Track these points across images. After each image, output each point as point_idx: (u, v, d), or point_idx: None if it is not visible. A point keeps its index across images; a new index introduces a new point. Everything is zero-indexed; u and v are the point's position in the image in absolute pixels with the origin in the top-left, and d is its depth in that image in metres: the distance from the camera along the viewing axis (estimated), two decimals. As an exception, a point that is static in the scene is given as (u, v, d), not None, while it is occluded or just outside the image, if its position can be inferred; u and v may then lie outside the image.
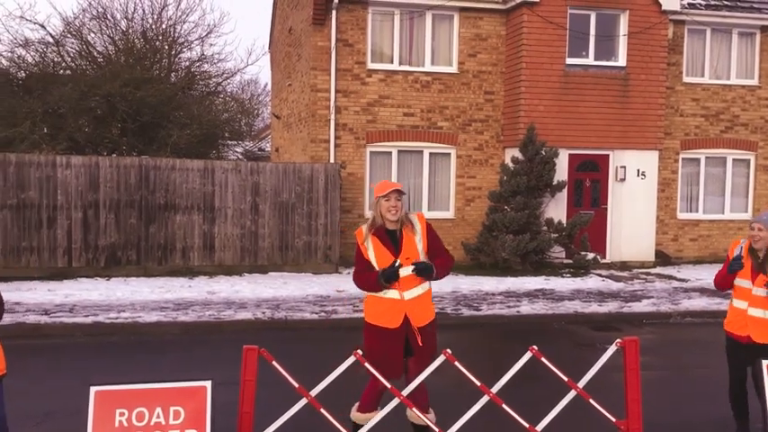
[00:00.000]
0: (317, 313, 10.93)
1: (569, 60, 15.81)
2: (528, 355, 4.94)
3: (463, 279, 14.16)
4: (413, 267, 5.10)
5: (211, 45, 40.74)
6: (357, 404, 5.38)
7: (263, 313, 10.83)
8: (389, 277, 5.07)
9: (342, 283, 13.32)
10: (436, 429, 4.83)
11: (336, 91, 15.46)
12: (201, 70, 26.31)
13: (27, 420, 5.94)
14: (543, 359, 4.92)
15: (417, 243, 5.21)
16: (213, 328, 10.21)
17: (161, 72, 24.47)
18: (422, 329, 5.19)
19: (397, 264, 5.09)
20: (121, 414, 4.45)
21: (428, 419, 5.25)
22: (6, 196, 12.90)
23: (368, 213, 15.85)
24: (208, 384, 4.59)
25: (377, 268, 5.17)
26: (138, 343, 9.45)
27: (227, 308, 11.16)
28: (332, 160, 15.36)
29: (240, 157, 29.35)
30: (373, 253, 5.19)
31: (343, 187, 15.19)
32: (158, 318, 10.39)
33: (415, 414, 5.26)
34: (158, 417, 4.49)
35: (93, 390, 4.50)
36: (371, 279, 5.15)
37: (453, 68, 16.18)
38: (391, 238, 5.20)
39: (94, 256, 13.39)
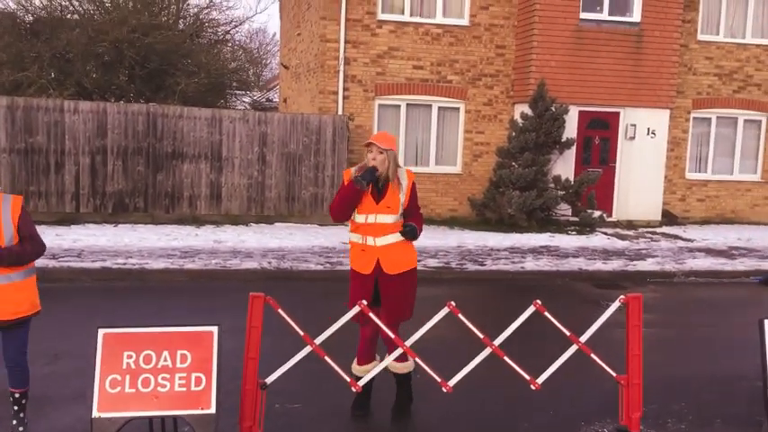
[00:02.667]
0: (322, 264, 10.99)
1: (583, 15, 15.56)
2: (531, 309, 4.98)
3: (469, 234, 14.19)
4: (400, 231, 5.21)
5: (220, -9, 40.08)
6: (356, 359, 5.49)
7: (269, 263, 10.90)
8: (365, 176, 5.13)
9: (347, 235, 13.38)
10: (435, 375, 4.90)
11: (346, 42, 15.28)
12: (210, 17, 26.02)
13: (37, 360, 6.04)
14: (546, 313, 4.96)
15: (400, 197, 5.27)
16: (219, 277, 10.31)
17: (169, 18, 24.21)
18: (394, 277, 5.24)
19: (372, 168, 5.17)
20: (129, 356, 4.53)
21: (405, 367, 5.38)
22: (14, 140, 12.91)
23: (375, 166, 15.78)
24: (215, 330, 4.66)
25: (355, 210, 5.23)
26: (145, 289, 9.56)
27: (233, 257, 11.24)
28: (340, 112, 15.27)
29: (248, 107, 29.17)
30: None
31: (351, 139, 15.13)
32: (165, 265, 10.48)
33: (393, 363, 5.37)
34: (165, 360, 4.57)
35: (101, 332, 4.58)
36: (348, 186, 5.19)
37: (465, 21, 15.95)
38: (376, 185, 5.26)
39: (102, 202, 13.44)
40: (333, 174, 14.52)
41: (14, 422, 4.87)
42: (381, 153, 5.19)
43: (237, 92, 29.55)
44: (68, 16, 21.92)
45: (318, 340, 4.85)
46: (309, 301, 8.91)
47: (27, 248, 4.66)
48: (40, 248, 4.76)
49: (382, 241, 5.22)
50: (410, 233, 5.21)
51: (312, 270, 10.69)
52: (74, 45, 20.04)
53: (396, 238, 5.25)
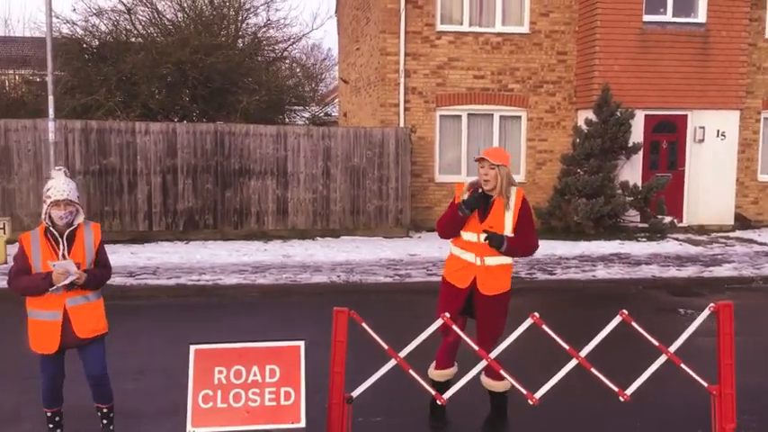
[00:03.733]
0: (390, 277, 11.02)
1: (646, 17, 15.28)
2: (617, 320, 4.89)
3: (535, 243, 14.02)
4: (485, 236, 5.10)
5: (277, 10, 40.90)
6: (434, 363, 5.49)
7: (338, 276, 10.99)
8: (470, 203, 5.09)
9: (413, 247, 13.40)
10: (521, 388, 4.85)
11: (406, 54, 15.36)
12: (267, 36, 26.50)
13: (124, 376, 6.22)
14: (634, 323, 4.86)
15: (506, 217, 5.15)
16: (291, 291, 10.43)
17: (228, 38, 24.72)
18: (488, 298, 5.19)
19: (480, 191, 5.11)
20: (220, 372, 4.62)
21: (501, 386, 5.33)
22: (89, 162, 13.35)
23: (438, 177, 15.82)
24: (301, 344, 4.72)
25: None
26: (220, 304, 9.74)
27: (302, 271, 11.37)
28: (401, 124, 15.33)
29: (306, 122, 29.53)
30: None
31: (414, 151, 15.17)
32: (238, 280, 10.67)
33: (488, 380, 5.34)
34: (255, 375, 4.64)
35: (192, 348, 4.67)
36: (453, 208, 5.19)
37: (525, 28, 15.86)
38: (484, 204, 5.18)
39: (173, 220, 13.76)
40: (396, 186, 14.57)
41: (105, 437, 5.01)
42: (493, 169, 5.08)
43: (296, 107, 29.96)
44: (133, 40, 22.62)
45: (403, 354, 4.86)
46: (381, 314, 8.92)
47: (104, 273, 4.91)
48: (109, 275, 5.02)
49: (483, 262, 5.17)
50: (493, 240, 5.06)
51: (381, 283, 10.72)
52: (139, 68, 20.62)
53: (497, 260, 5.18)
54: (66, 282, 4.59)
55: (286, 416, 4.55)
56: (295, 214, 14.34)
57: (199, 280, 10.62)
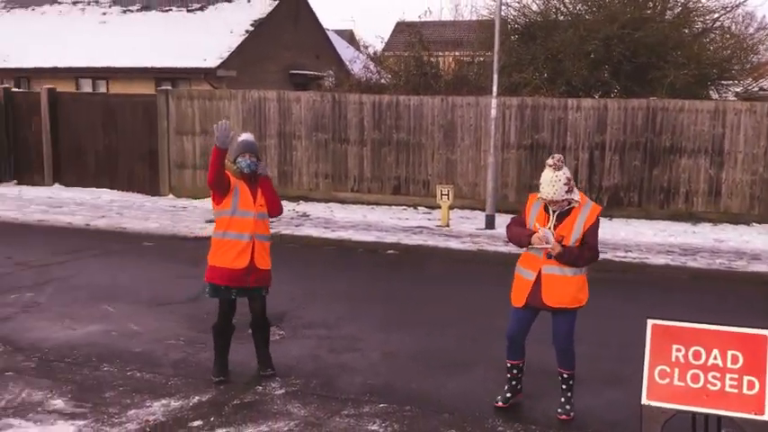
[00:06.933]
0: None
1: None
2: None
3: None
4: None
5: (713, -24, 37.62)
6: None
7: (785, 268, 9.98)
8: None
9: None
10: None
11: None
12: (699, 5, 24.69)
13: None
14: None
15: None
16: (725, 278, 9.83)
17: (655, 11, 23.68)
18: None
19: None
20: (678, 350, 4.58)
21: None
22: (522, 137, 14.13)
23: None
24: (768, 334, 4.44)
25: None
26: (648, 283, 9.61)
27: (737, 258, 10.60)
28: None
29: (735, 97, 26.96)
30: None
31: None
32: (665, 261, 10.40)
33: None
34: (715, 358, 4.51)
35: (650, 322, 4.71)
36: None
37: None
38: None
39: (598, 195, 13.83)
40: None
41: (562, 399, 5.33)
42: None
43: (724, 81, 27.51)
44: (560, 18, 23.04)
45: None
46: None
47: (584, 254, 5.09)
48: (594, 256, 5.14)
49: None
50: None
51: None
52: (566, 45, 20.95)
53: None
54: (540, 247, 5.00)
55: (748, 405, 4.35)
56: (729, 196, 13.32)
57: (625, 257, 10.59)
